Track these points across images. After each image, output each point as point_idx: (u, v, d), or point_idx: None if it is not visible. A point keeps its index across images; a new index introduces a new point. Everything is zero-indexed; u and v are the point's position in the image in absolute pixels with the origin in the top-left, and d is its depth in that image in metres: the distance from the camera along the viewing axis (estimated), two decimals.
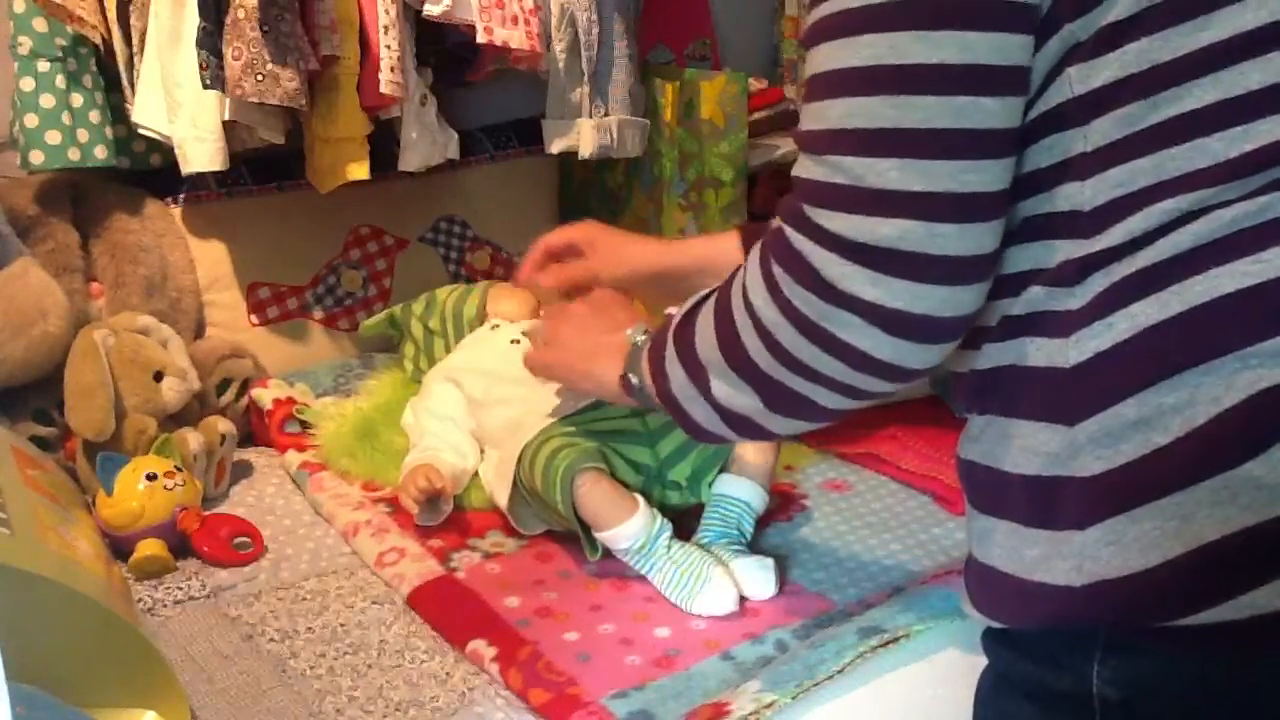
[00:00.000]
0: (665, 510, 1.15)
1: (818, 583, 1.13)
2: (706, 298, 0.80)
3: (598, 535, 1.12)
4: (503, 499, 1.20)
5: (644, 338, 0.92)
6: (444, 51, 1.65)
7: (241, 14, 1.33)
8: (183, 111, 1.41)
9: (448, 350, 1.49)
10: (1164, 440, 0.62)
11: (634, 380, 0.92)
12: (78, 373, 1.28)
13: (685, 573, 1.08)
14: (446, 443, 1.29)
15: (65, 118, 1.46)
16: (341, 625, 1.09)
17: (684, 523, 1.16)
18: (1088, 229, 0.65)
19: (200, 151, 1.43)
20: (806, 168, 0.68)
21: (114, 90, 1.51)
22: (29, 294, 1.34)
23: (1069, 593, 0.64)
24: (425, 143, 1.54)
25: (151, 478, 1.20)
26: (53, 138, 1.45)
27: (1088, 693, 0.66)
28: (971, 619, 0.74)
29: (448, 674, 1.01)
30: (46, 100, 1.45)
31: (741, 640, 1.03)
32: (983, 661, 0.76)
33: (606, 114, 1.65)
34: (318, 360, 1.63)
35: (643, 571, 1.11)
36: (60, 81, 1.46)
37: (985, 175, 0.64)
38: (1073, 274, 0.66)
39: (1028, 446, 0.67)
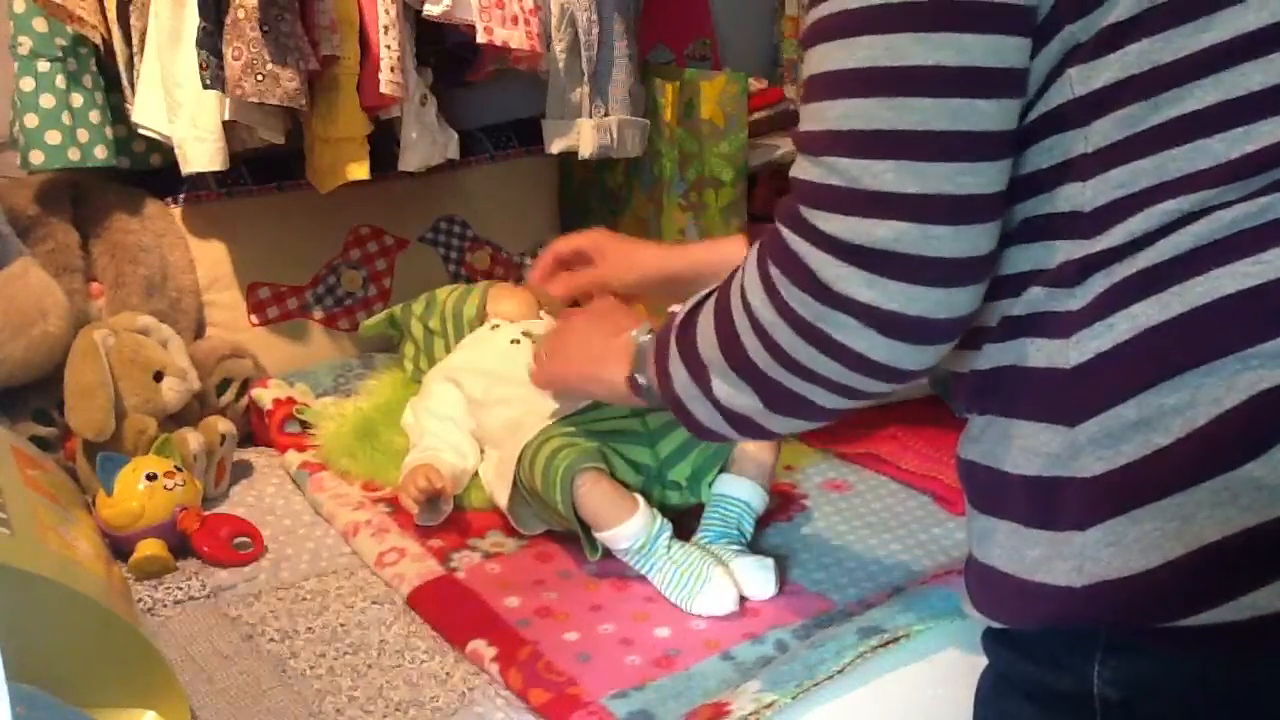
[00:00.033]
0: (665, 510, 1.15)
1: (818, 583, 1.13)
2: (707, 297, 0.81)
3: (598, 535, 1.12)
4: (503, 499, 1.20)
5: (648, 337, 0.92)
6: (444, 51, 1.65)
7: (241, 14, 1.33)
8: (183, 111, 1.41)
9: (448, 350, 1.49)
10: (1165, 441, 0.62)
11: (641, 380, 0.93)
12: (78, 373, 1.28)
13: (685, 573, 1.08)
14: (446, 443, 1.29)
15: (65, 118, 1.46)
16: (341, 625, 1.09)
17: (684, 523, 1.16)
18: (1088, 230, 0.65)
19: (200, 151, 1.43)
20: (804, 169, 0.68)
21: (114, 90, 1.51)
22: (29, 294, 1.34)
23: (1069, 593, 0.64)
24: (425, 143, 1.54)
25: (151, 478, 1.20)
26: (53, 138, 1.45)
27: (1088, 693, 0.66)
28: (971, 619, 0.74)
29: (448, 674, 1.01)
30: (46, 100, 1.45)
31: (741, 640, 1.03)
32: (983, 661, 0.76)
33: (606, 114, 1.65)
34: (318, 360, 1.63)
35: (643, 571, 1.11)
36: (60, 81, 1.46)
37: (981, 177, 0.64)
38: (1073, 275, 0.66)
39: (1028, 447, 0.67)
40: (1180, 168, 0.63)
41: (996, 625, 0.72)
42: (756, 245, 0.72)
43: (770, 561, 1.11)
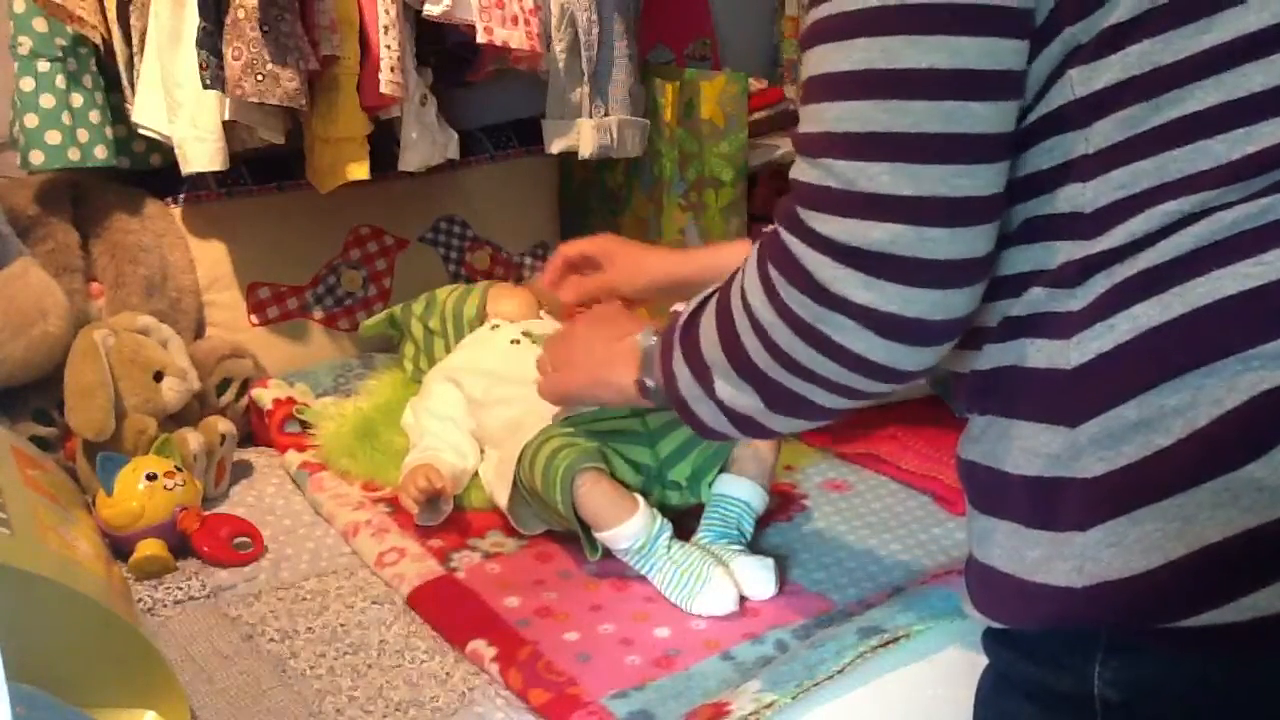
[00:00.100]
0: (665, 510, 1.15)
1: (818, 583, 1.13)
2: (710, 298, 0.81)
3: (598, 535, 1.12)
4: (503, 499, 1.20)
5: (654, 340, 0.93)
6: (444, 51, 1.65)
7: (241, 14, 1.33)
8: (183, 111, 1.41)
9: (448, 350, 1.49)
10: (1165, 442, 0.62)
11: (649, 383, 0.93)
12: (78, 373, 1.28)
13: (685, 573, 1.08)
14: (446, 443, 1.29)
15: (65, 118, 1.46)
16: (341, 625, 1.09)
17: (684, 523, 1.16)
18: (1089, 230, 0.65)
19: (200, 151, 1.43)
20: (802, 170, 0.68)
21: (114, 90, 1.51)
22: (29, 294, 1.34)
23: (1070, 594, 0.64)
24: (425, 143, 1.54)
25: (151, 478, 1.20)
26: (53, 138, 1.45)
27: (1089, 693, 0.66)
28: (971, 619, 0.74)
29: (448, 674, 1.01)
30: (46, 100, 1.45)
31: (741, 640, 1.03)
32: (983, 661, 0.76)
33: (606, 114, 1.65)
34: (318, 360, 1.63)
35: (643, 571, 1.11)
36: (60, 81, 1.46)
37: (977, 179, 0.64)
38: (1074, 275, 0.66)
39: (1029, 447, 0.67)
40: (1181, 169, 0.63)
41: (997, 625, 0.72)
42: (756, 246, 0.73)
43: (770, 561, 1.11)
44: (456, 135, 1.60)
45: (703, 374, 0.80)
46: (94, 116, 1.49)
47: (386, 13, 1.42)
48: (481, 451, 1.31)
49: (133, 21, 1.44)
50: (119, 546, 1.18)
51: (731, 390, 0.77)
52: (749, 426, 0.80)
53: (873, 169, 0.64)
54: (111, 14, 1.44)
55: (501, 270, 1.82)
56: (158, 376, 1.35)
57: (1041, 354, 0.67)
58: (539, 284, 1.61)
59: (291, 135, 1.50)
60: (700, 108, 1.71)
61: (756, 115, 1.86)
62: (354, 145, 1.46)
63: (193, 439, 1.30)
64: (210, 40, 1.35)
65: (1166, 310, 0.62)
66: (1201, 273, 0.62)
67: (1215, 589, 0.61)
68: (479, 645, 1.03)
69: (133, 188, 1.58)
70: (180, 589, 1.15)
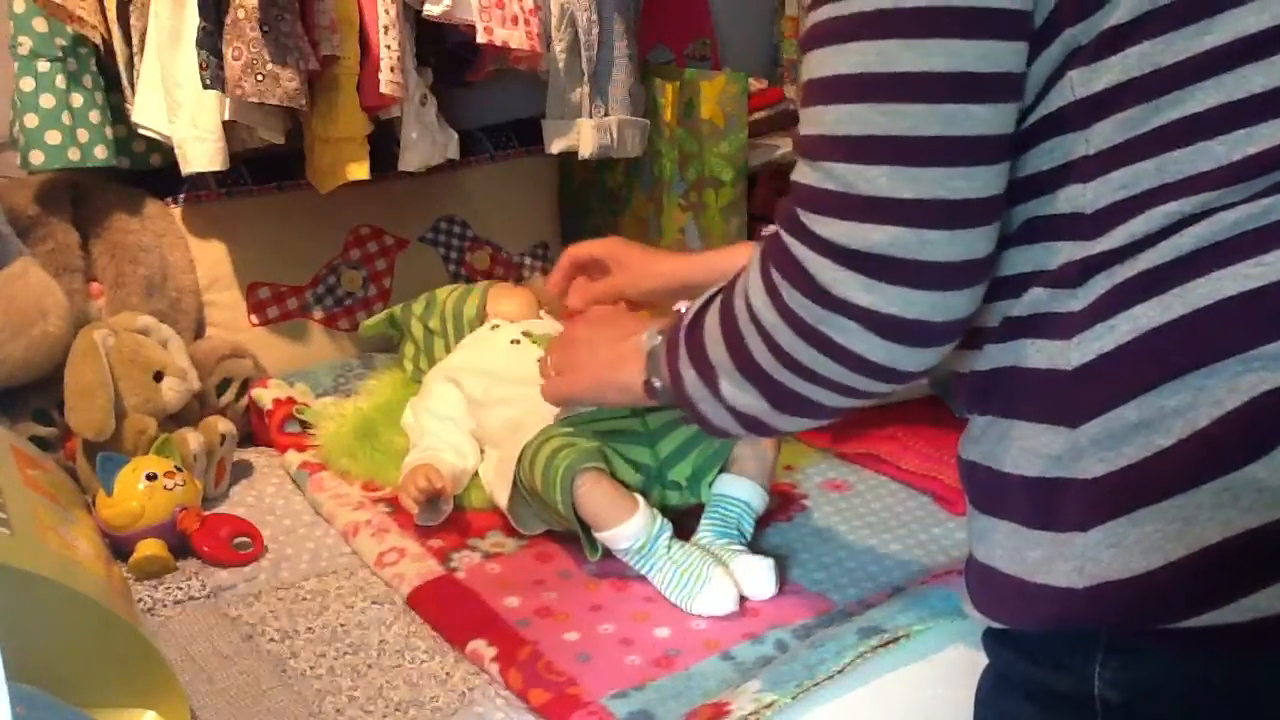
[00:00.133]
0: (665, 510, 1.15)
1: (818, 583, 1.13)
2: (713, 298, 0.81)
3: (598, 535, 1.11)
4: (503, 499, 1.20)
5: (659, 340, 0.93)
6: (444, 51, 1.65)
7: (241, 14, 1.33)
8: (183, 111, 1.41)
9: (448, 350, 1.49)
10: (1166, 442, 0.62)
11: (657, 384, 0.93)
12: (78, 373, 1.28)
13: (685, 573, 1.08)
14: (446, 443, 1.29)
15: (65, 118, 1.46)
16: (341, 625, 1.09)
17: (684, 523, 1.16)
18: (1089, 231, 0.65)
19: (200, 151, 1.43)
20: (803, 172, 0.69)
21: (114, 90, 1.51)
22: (29, 294, 1.34)
23: (1070, 594, 0.64)
24: (425, 143, 1.54)
25: (151, 478, 1.20)
26: (53, 138, 1.45)
27: (1089, 694, 0.66)
28: (972, 619, 0.74)
29: (448, 674, 1.01)
30: (46, 100, 1.45)
31: (741, 640, 1.03)
32: (983, 661, 0.76)
33: (606, 114, 1.65)
34: (318, 360, 1.63)
35: (643, 571, 1.11)
36: (60, 81, 1.46)
37: (976, 182, 0.65)
38: (1074, 276, 0.66)
39: (1029, 448, 0.67)
40: (1181, 170, 0.63)
41: (997, 625, 0.72)
42: (759, 248, 0.73)
43: (770, 561, 1.11)
44: (456, 135, 1.60)
45: (708, 374, 0.80)
46: (94, 116, 1.49)
47: (386, 13, 1.42)
48: (481, 451, 1.31)
49: (133, 21, 1.44)
50: (119, 546, 1.18)
51: (736, 390, 0.78)
52: (755, 425, 0.80)
53: (871, 172, 0.64)
54: (111, 14, 1.44)
55: (501, 270, 1.82)
56: (158, 376, 1.35)
57: (1042, 354, 0.67)
58: (539, 284, 1.61)
59: (291, 135, 1.50)
60: (700, 108, 1.71)
61: (756, 115, 1.86)
62: (354, 145, 1.46)
63: (193, 439, 1.30)
64: (210, 40, 1.35)
65: (1167, 311, 0.62)
66: (1202, 273, 0.62)
67: (1215, 590, 0.61)
68: (479, 645, 1.03)
69: (133, 188, 1.58)
70: (180, 589, 1.15)
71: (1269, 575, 0.60)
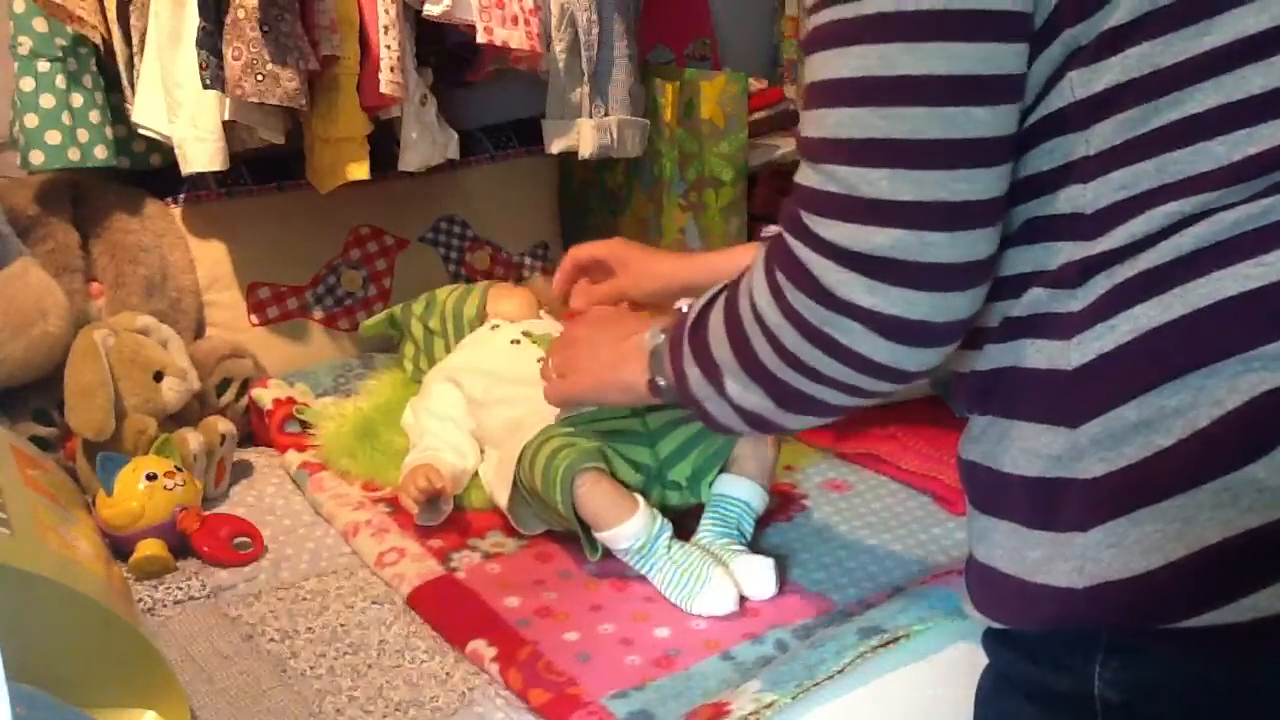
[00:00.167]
0: (665, 510, 1.15)
1: (818, 583, 1.13)
2: (717, 296, 0.81)
3: (598, 535, 1.11)
4: (503, 499, 1.20)
5: (662, 338, 0.93)
6: (444, 51, 1.65)
7: (241, 14, 1.33)
8: (183, 111, 1.41)
9: (448, 350, 1.49)
10: (1166, 442, 0.62)
11: (661, 382, 0.93)
12: (78, 373, 1.28)
13: (685, 573, 1.08)
14: (446, 443, 1.29)
15: (65, 118, 1.46)
16: (341, 625, 1.09)
17: (684, 523, 1.16)
18: (1089, 231, 0.65)
19: (200, 151, 1.43)
20: (805, 174, 0.69)
21: (114, 90, 1.51)
22: (29, 294, 1.34)
23: (1070, 594, 0.64)
24: (425, 143, 1.54)
25: (151, 478, 1.20)
26: (53, 138, 1.45)
27: (1089, 694, 0.66)
28: (972, 619, 0.74)
29: (448, 674, 1.01)
30: (46, 100, 1.45)
31: (741, 640, 1.03)
32: (983, 661, 0.76)
33: (606, 114, 1.65)
34: (318, 360, 1.63)
35: (643, 571, 1.11)
36: (60, 81, 1.46)
37: (977, 183, 0.65)
38: (1074, 276, 0.66)
39: (1029, 448, 0.67)
40: (1181, 170, 0.63)
41: (997, 625, 0.72)
42: (763, 248, 0.73)
43: (770, 561, 1.11)
44: (456, 135, 1.60)
45: (713, 373, 0.80)
46: (94, 116, 1.49)
47: (386, 13, 1.42)
48: (481, 451, 1.31)
49: (133, 21, 1.44)
50: (119, 546, 1.18)
51: (741, 389, 0.78)
52: (760, 423, 0.80)
53: (873, 175, 0.64)
54: (111, 14, 1.44)
55: (501, 270, 1.82)
56: (158, 376, 1.35)
57: (1042, 354, 0.67)
58: (539, 284, 1.61)
59: (291, 135, 1.50)
60: (700, 108, 1.71)
61: (756, 115, 1.86)
62: (354, 145, 1.46)
63: (193, 439, 1.30)
64: (210, 40, 1.35)
65: (1167, 311, 0.62)
66: (1202, 273, 0.62)
67: (1215, 590, 0.61)
68: (479, 645, 1.03)
69: (133, 188, 1.58)
70: (180, 589, 1.15)
71: (1269, 575, 0.60)
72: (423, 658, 1.04)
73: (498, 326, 1.45)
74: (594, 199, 1.93)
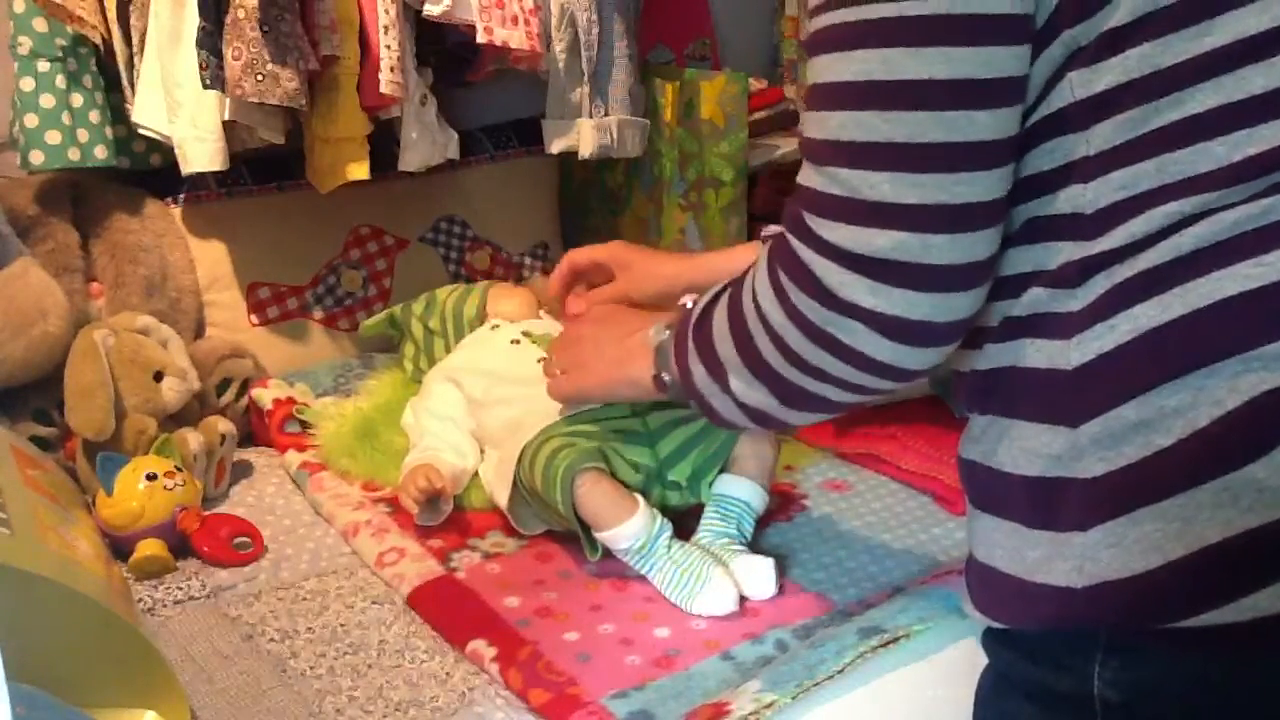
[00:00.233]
0: (665, 510, 1.15)
1: (818, 583, 1.13)
2: (720, 294, 0.82)
3: (598, 535, 1.11)
4: (503, 499, 1.20)
5: (666, 334, 0.93)
6: (444, 51, 1.65)
7: (241, 14, 1.33)
8: (183, 111, 1.41)
9: (448, 350, 1.49)
10: (1166, 442, 0.62)
11: (666, 378, 0.94)
12: (78, 373, 1.28)
13: (685, 573, 1.08)
14: (446, 443, 1.29)
15: (65, 118, 1.46)
16: (341, 625, 1.09)
17: (684, 523, 1.16)
18: (1089, 231, 0.66)
19: (200, 151, 1.43)
20: (808, 175, 0.69)
21: (114, 90, 1.51)
22: (29, 294, 1.34)
23: (1070, 594, 0.64)
24: (425, 143, 1.54)
25: (151, 478, 1.20)
26: (53, 138, 1.45)
27: (1089, 694, 0.66)
28: (972, 619, 0.74)
29: (448, 674, 1.01)
30: (46, 100, 1.45)
31: (741, 640, 1.03)
32: (983, 661, 0.76)
33: (606, 114, 1.65)
34: (318, 360, 1.63)
35: (643, 571, 1.11)
36: (60, 81, 1.46)
37: (978, 186, 0.65)
38: (1074, 276, 0.66)
39: (1029, 448, 0.67)
40: (1181, 170, 0.63)
41: (997, 625, 0.72)
42: (767, 248, 0.74)
43: (770, 561, 1.11)
44: (456, 135, 1.60)
45: (717, 371, 0.81)
46: (94, 116, 1.49)
47: (386, 13, 1.42)
48: (481, 451, 1.31)
49: (133, 21, 1.44)
50: (119, 546, 1.18)
51: (745, 387, 0.78)
52: (764, 420, 0.81)
53: (875, 177, 0.65)
54: (111, 14, 1.44)
55: (501, 270, 1.82)
56: (158, 376, 1.35)
57: (1042, 354, 0.67)
58: (539, 284, 1.61)
59: (291, 135, 1.50)
60: (700, 108, 1.71)
61: (756, 115, 1.86)
62: (354, 145, 1.46)
63: (193, 439, 1.30)
64: (210, 40, 1.35)
65: (1167, 311, 0.62)
66: (1202, 273, 0.62)
67: (1215, 589, 0.61)
68: (479, 645, 1.03)
69: (133, 188, 1.58)
70: (180, 589, 1.15)
71: (1269, 575, 0.60)
72: (423, 658, 1.04)
73: (498, 326, 1.45)
74: (594, 199, 1.93)
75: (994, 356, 0.71)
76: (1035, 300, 0.68)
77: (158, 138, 1.46)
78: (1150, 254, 0.64)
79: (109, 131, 1.50)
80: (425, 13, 1.45)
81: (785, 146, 1.90)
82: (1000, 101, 0.65)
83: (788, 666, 0.95)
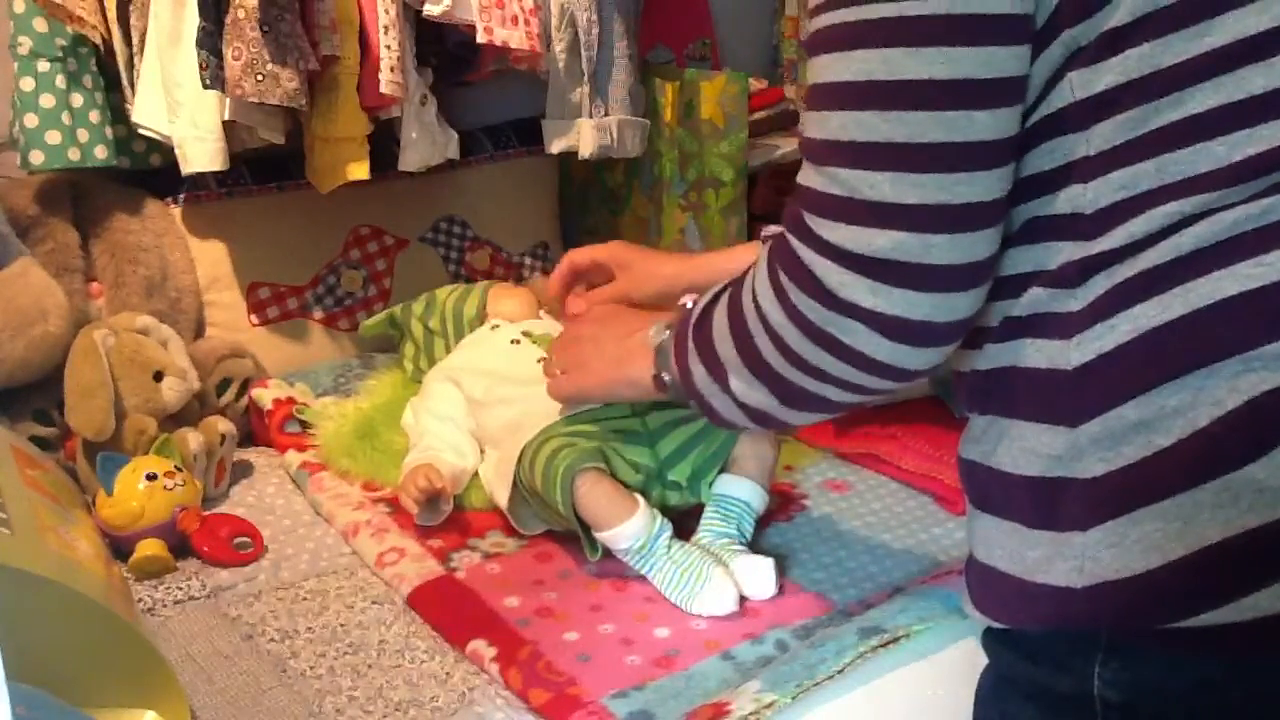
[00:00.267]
0: (665, 510, 1.15)
1: (818, 583, 1.13)
2: (720, 294, 0.82)
3: (598, 535, 1.11)
4: (503, 499, 1.20)
5: (667, 334, 0.93)
6: (444, 51, 1.65)
7: (241, 14, 1.33)
8: (183, 111, 1.41)
9: (448, 350, 1.49)
10: (1166, 442, 0.62)
11: (667, 378, 0.94)
12: (78, 373, 1.28)
13: (685, 573, 1.08)
14: (446, 443, 1.29)
15: (65, 118, 1.46)
16: (341, 625, 1.09)
17: (684, 523, 1.16)
18: (1089, 231, 0.66)
19: (200, 151, 1.43)
20: (808, 175, 0.69)
21: (114, 90, 1.51)
22: (29, 294, 1.34)
23: (1070, 594, 0.64)
24: (425, 143, 1.54)
25: (151, 478, 1.20)
26: (53, 138, 1.45)
27: (1089, 694, 0.66)
28: (972, 619, 0.74)
29: (448, 674, 1.01)
30: (46, 100, 1.45)
31: (741, 640, 1.03)
32: (983, 661, 0.76)
33: (606, 114, 1.65)
34: (318, 360, 1.63)
35: (643, 571, 1.11)
36: (60, 81, 1.46)
37: (978, 186, 0.65)
38: (1074, 276, 0.66)
39: (1030, 448, 0.67)
40: (1181, 170, 0.63)
41: (997, 625, 0.72)
42: (767, 248, 0.74)
43: (770, 561, 1.11)
44: (456, 135, 1.60)
45: (717, 371, 0.81)
46: (94, 116, 1.49)
47: (386, 13, 1.42)
48: (481, 451, 1.31)
49: (133, 21, 1.44)
50: (119, 546, 1.18)
51: (746, 387, 0.79)
52: (764, 419, 0.81)
53: (874, 177, 0.65)
54: (111, 14, 1.44)
55: (501, 270, 1.82)
56: (158, 376, 1.35)
57: (1042, 354, 0.67)
58: (539, 284, 1.61)
59: (291, 135, 1.50)
60: (700, 108, 1.71)
61: (756, 115, 1.86)
62: (354, 145, 1.46)
63: (193, 439, 1.30)
64: (210, 40, 1.35)
65: (1167, 310, 0.62)
66: (1202, 273, 0.62)
67: (1215, 589, 0.61)
68: (479, 645, 1.03)
69: (133, 188, 1.58)
70: (180, 589, 1.15)
71: (1269, 575, 0.60)
72: (423, 658, 1.04)
73: (498, 326, 1.45)
74: (594, 199, 1.93)
75: (994, 356, 0.71)
76: (1035, 300, 0.68)
77: (158, 138, 1.46)
78: (1150, 254, 0.64)
79: (109, 131, 1.50)
80: (425, 13, 1.45)
81: (785, 146, 1.90)
82: (1000, 101, 0.65)
83: (788, 666, 0.95)
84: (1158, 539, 0.62)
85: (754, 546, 1.16)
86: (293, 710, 0.97)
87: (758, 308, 0.74)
